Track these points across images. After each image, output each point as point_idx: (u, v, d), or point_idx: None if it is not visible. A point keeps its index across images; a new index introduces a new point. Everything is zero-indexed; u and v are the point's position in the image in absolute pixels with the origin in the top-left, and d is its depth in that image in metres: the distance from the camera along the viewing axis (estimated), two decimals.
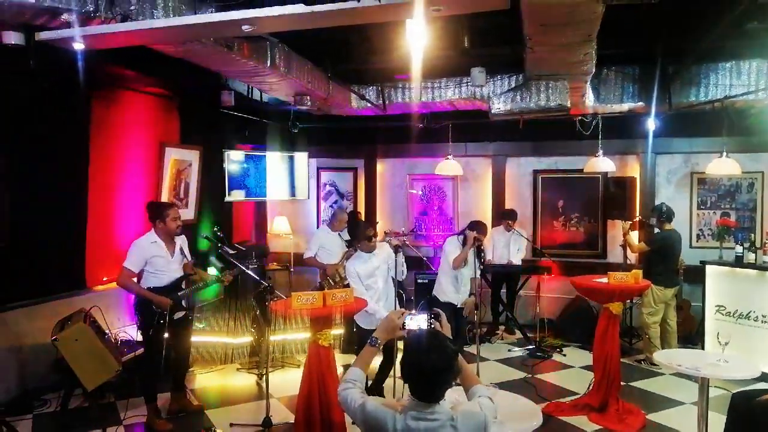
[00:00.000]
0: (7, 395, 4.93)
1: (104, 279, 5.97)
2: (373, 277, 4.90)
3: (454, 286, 5.62)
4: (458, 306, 5.65)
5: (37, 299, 5.26)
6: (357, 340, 5.31)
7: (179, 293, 4.76)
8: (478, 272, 5.61)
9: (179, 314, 4.80)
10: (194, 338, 6.00)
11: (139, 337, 4.79)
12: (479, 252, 5.46)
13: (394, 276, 5.02)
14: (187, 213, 7.30)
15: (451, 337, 2.39)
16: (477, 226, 5.53)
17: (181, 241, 4.88)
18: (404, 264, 5.13)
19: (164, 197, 6.77)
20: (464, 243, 5.52)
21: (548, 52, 4.75)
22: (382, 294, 4.94)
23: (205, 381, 5.89)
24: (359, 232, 4.93)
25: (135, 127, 6.52)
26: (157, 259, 4.68)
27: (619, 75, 6.47)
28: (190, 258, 4.97)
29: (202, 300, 6.95)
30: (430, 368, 2.09)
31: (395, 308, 4.85)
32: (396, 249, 4.92)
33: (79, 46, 3.97)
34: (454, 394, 2.61)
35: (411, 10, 3.29)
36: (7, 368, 4.97)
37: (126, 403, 4.80)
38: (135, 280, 4.78)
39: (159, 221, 4.72)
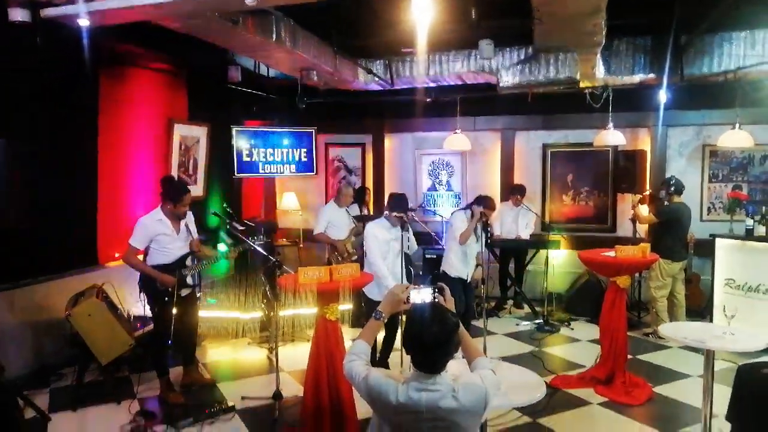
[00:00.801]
0: (25, 369, 5.05)
1: (116, 255, 6.05)
2: (387, 246, 4.94)
3: (462, 260, 5.61)
4: (468, 281, 5.67)
5: (50, 276, 5.35)
6: (366, 312, 5.37)
7: (184, 270, 4.81)
8: (484, 246, 5.62)
9: (185, 291, 4.87)
10: (206, 313, 6.11)
11: (150, 313, 4.87)
12: (485, 226, 5.45)
13: (407, 250, 5.05)
14: (196, 189, 7.35)
15: (454, 311, 2.41)
16: (483, 200, 5.51)
17: (187, 218, 4.91)
18: (411, 239, 5.15)
19: (173, 173, 6.81)
20: (471, 217, 5.52)
21: (557, 23, 4.67)
22: (391, 267, 4.97)
23: (216, 355, 6.00)
24: (394, 204, 4.92)
25: (143, 103, 6.54)
26: (162, 237, 4.72)
27: (630, 46, 6.35)
28: (196, 235, 5.01)
29: (210, 276, 7.03)
30: (431, 340, 2.12)
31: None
32: (403, 223, 4.92)
33: (84, 22, 3.97)
34: (458, 366, 2.64)
35: None
36: (23, 343, 5.09)
37: (139, 377, 4.93)
38: (141, 257, 4.83)
39: (169, 202, 4.75)
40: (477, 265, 5.71)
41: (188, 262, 4.87)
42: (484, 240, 5.47)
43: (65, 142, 5.44)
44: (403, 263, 4.97)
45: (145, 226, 4.71)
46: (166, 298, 4.68)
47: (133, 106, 6.40)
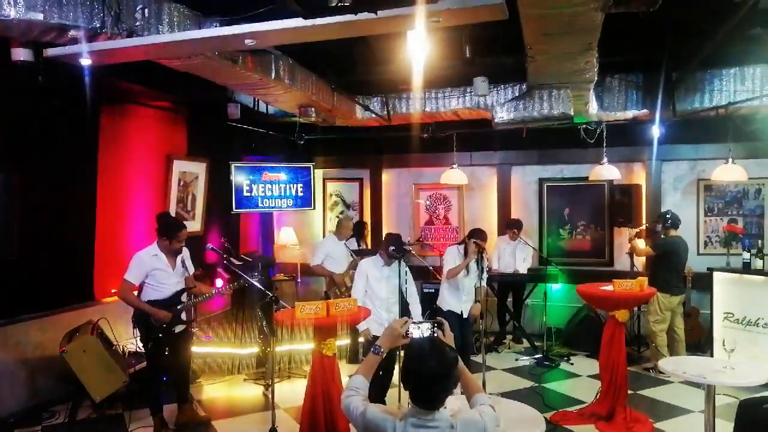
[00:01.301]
0: (17, 406, 4.98)
1: (112, 291, 6.00)
2: (380, 284, 4.94)
3: (454, 295, 5.61)
4: (464, 316, 5.63)
5: (46, 311, 5.32)
6: (365, 349, 5.32)
7: (179, 306, 4.79)
8: (484, 281, 5.64)
9: (179, 327, 4.84)
10: (201, 349, 6.05)
11: (143, 349, 4.82)
12: (480, 259, 5.43)
13: (404, 285, 5.04)
14: (194, 225, 7.37)
15: (453, 346, 2.39)
16: (475, 233, 5.53)
17: (183, 254, 4.91)
18: (408, 273, 5.15)
19: (171, 210, 6.84)
20: (465, 253, 5.53)
21: (549, 60, 4.77)
22: (384, 303, 4.96)
23: (211, 392, 5.91)
24: (387, 244, 4.96)
25: (143, 140, 6.61)
26: (157, 272, 4.71)
27: (622, 82, 6.48)
28: (192, 270, 5.01)
29: (208, 312, 6.99)
30: (430, 374, 2.10)
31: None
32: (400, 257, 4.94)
33: (86, 61, 4.04)
34: (456, 402, 2.61)
35: (410, 22, 3.33)
36: (17, 379, 5.03)
37: (131, 415, 4.86)
38: (135, 292, 4.82)
39: (165, 238, 4.76)
40: (476, 301, 5.67)
41: (183, 297, 4.85)
42: (479, 273, 5.44)
43: (65, 177, 5.48)
44: (401, 299, 4.96)
45: (141, 261, 4.70)
46: (160, 335, 4.64)
47: (133, 142, 6.47)
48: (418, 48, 3.84)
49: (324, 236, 8.87)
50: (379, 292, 4.93)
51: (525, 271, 7.45)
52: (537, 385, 6.06)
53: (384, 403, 5.05)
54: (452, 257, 5.63)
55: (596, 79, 5.45)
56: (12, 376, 4.96)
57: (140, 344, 4.79)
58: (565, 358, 6.92)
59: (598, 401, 5.11)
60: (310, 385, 3.93)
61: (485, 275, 5.67)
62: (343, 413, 2.41)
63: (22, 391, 5.08)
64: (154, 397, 4.77)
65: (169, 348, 4.81)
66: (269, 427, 4.52)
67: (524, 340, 7.55)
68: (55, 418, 5.03)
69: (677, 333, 6.38)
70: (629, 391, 5.22)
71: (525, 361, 6.91)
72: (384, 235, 5.76)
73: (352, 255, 6.76)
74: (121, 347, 5.33)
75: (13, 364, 5.00)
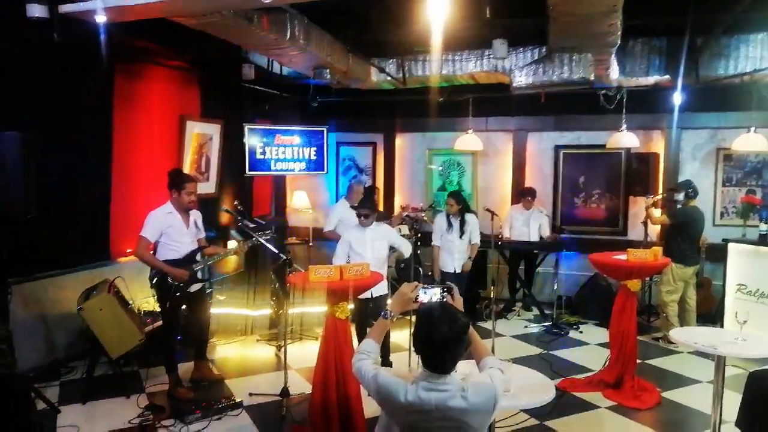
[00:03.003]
0: (36, 362, 5.10)
1: (128, 251, 6.08)
2: (363, 247, 5.03)
3: (447, 255, 6.22)
4: (457, 272, 6.20)
5: (63, 270, 5.39)
6: (355, 313, 5.34)
7: (194, 265, 4.84)
8: (475, 239, 6.26)
9: (195, 286, 4.89)
10: (215, 310, 6.14)
11: (160, 308, 4.90)
12: (463, 220, 6.17)
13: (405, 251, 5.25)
14: (209, 187, 7.39)
15: (462, 311, 2.40)
16: (451, 194, 6.40)
17: (196, 215, 4.93)
18: (401, 242, 5.33)
19: (186, 171, 6.84)
20: (448, 216, 6.24)
21: (572, 22, 4.64)
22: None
23: (225, 352, 6.02)
24: (359, 208, 5.18)
25: (157, 100, 6.58)
26: (172, 230, 4.73)
27: (645, 47, 6.31)
28: (203, 232, 5.04)
29: (222, 273, 7.07)
30: (441, 340, 2.11)
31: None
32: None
33: (101, 18, 4.01)
34: (467, 366, 2.63)
35: None
36: (35, 336, 5.13)
37: (148, 372, 4.97)
38: (151, 252, 4.87)
39: (175, 191, 4.77)
40: (468, 258, 6.27)
41: (197, 257, 4.90)
42: (460, 233, 6.16)
43: (80, 136, 5.48)
44: (413, 262, 5.01)
45: (156, 217, 4.73)
46: (177, 294, 4.71)
47: (147, 102, 6.44)
48: (437, 9, 3.75)
49: (336, 201, 8.86)
50: (364, 254, 4.97)
51: (547, 236, 7.39)
52: (545, 352, 6.10)
53: (391, 364, 5.15)
54: (438, 225, 6.28)
55: (619, 42, 5.30)
56: (31, 333, 5.06)
57: (157, 304, 4.85)
58: (575, 326, 6.95)
59: (607, 369, 5.14)
60: (322, 346, 3.98)
61: (468, 232, 6.23)
62: (354, 375, 2.44)
63: (41, 347, 5.19)
64: (169, 355, 4.86)
65: (188, 307, 4.87)
66: (281, 387, 4.61)
67: (534, 308, 7.58)
68: (73, 373, 5.16)
69: (689, 303, 6.36)
70: (637, 360, 5.24)
71: (534, 328, 6.95)
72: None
73: None
74: (136, 306, 5.42)
75: (32, 321, 5.10)
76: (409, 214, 7.25)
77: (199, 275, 4.92)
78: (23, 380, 3.92)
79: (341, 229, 6.67)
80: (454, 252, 6.21)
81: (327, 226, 6.71)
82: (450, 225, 6.19)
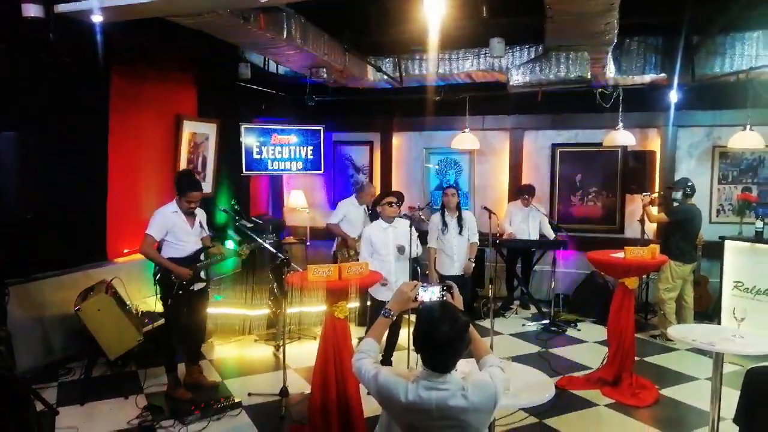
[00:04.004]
0: (34, 363, 5.08)
1: (125, 251, 6.08)
2: (387, 249, 4.97)
3: (448, 256, 6.07)
4: (459, 274, 6.02)
5: (61, 271, 5.38)
6: (371, 313, 5.39)
7: (198, 264, 4.83)
8: (474, 238, 6.14)
9: (198, 285, 4.88)
10: (213, 310, 6.12)
11: (160, 308, 4.88)
12: (460, 217, 6.09)
13: (411, 251, 5.09)
14: (205, 186, 7.36)
15: (462, 309, 2.41)
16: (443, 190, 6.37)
17: (201, 215, 4.92)
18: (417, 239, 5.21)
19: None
20: (443, 213, 6.18)
21: (569, 21, 4.65)
22: (393, 268, 4.99)
23: (223, 352, 6.01)
24: (380, 197, 5.13)
25: (153, 99, 6.55)
26: (177, 229, 4.72)
27: (641, 45, 6.33)
28: (208, 232, 5.03)
29: (220, 273, 7.06)
30: (442, 339, 2.11)
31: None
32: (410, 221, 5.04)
33: (97, 18, 3.99)
34: (466, 365, 2.64)
35: None
36: (33, 338, 5.11)
37: (146, 373, 4.96)
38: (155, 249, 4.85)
39: (177, 194, 4.77)
40: (468, 259, 6.10)
41: (201, 257, 4.89)
42: (459, 232, 6.01)
43: (76, 137, 5.46)
44: (411, 262, 5.00)
45: (162, 215, 4.71)
46: (180, 292, 4.69)
47: (144, 101, 6.42)
48: (434, 7, 3.74)
49: (332, 201, 8.87)
50: (386, 256, 4.97)
51: (551, 236, 7.38)
52: (544, 350, 6.11)
53: (391, 363, 5.15)
54: (434, 225, 6.16)
55: (615, 41, 5.31)
56: (29, 335, 5.04)
57: (159, 302, 4.83)
58: (572, 324, 6.97)
59: (605, 367, 5.15)
60: (321, 346, 3.98)
61: (467, 229, 6.10)
62: (354, 374, 2.44)
63: (39, 348, 5.17)
64: (169, 355, 4.84)
65: (187, 307, 4.85)
66: (280, 386, 4.61)
67: (531, 306, 7.60)
68: (71, 374, 5.15)
69: (686, 301, 6.38)
70: (635, 358, 5.26)
71: (532, 326, 6.96)
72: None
73: (370, 221, 6.77)
74: (134, 307, 5.41)
75: (30, 322, 5.08)
76: (407, 213, 7.24)
77: (203, 275, 4.90)
78: (22, 382, 3.91)
79: (345, 225, 6.72)
80: (453, 253, 6.06)
81: (333, 218, 6.78)
82: (445, 225, 6.07)
